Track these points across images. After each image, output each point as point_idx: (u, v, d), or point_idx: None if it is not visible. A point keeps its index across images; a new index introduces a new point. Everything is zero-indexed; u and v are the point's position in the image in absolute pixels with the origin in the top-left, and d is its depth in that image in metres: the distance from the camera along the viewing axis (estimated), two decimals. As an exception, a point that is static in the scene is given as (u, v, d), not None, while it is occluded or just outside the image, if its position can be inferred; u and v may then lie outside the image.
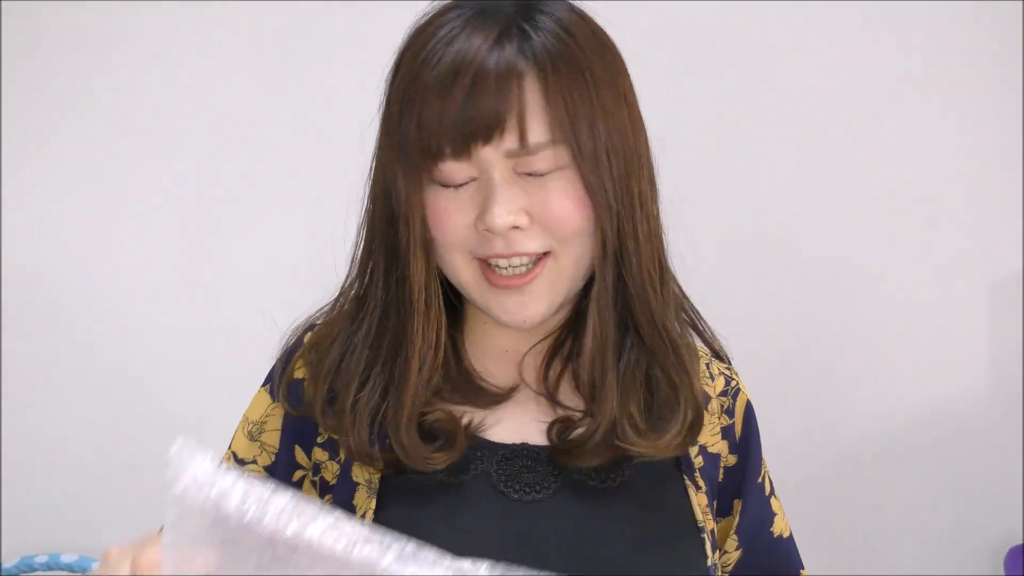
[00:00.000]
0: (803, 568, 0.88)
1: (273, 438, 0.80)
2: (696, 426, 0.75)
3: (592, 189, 0.69)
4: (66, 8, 1.62)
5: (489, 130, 0.66)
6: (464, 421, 0.74)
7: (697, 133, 1.61)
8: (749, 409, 0.84)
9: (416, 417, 0.72)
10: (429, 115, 0.67)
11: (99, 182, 1.68)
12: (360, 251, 0.77)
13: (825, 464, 1.71)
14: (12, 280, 1.71)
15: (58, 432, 1.75)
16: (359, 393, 0.73)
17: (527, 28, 0.68)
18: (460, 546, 0.53)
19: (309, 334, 0.80)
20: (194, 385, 1.68)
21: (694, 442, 0.76)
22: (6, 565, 1.70)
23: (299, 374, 0.79)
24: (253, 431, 0.81)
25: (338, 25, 1.63)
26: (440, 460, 0.71)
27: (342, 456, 0.75)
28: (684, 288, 0.80)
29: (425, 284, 0.72)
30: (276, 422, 0.80)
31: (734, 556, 0.84)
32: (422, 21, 0.72)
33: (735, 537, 0.84)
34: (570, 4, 0.73)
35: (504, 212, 0.67)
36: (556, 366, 0.77)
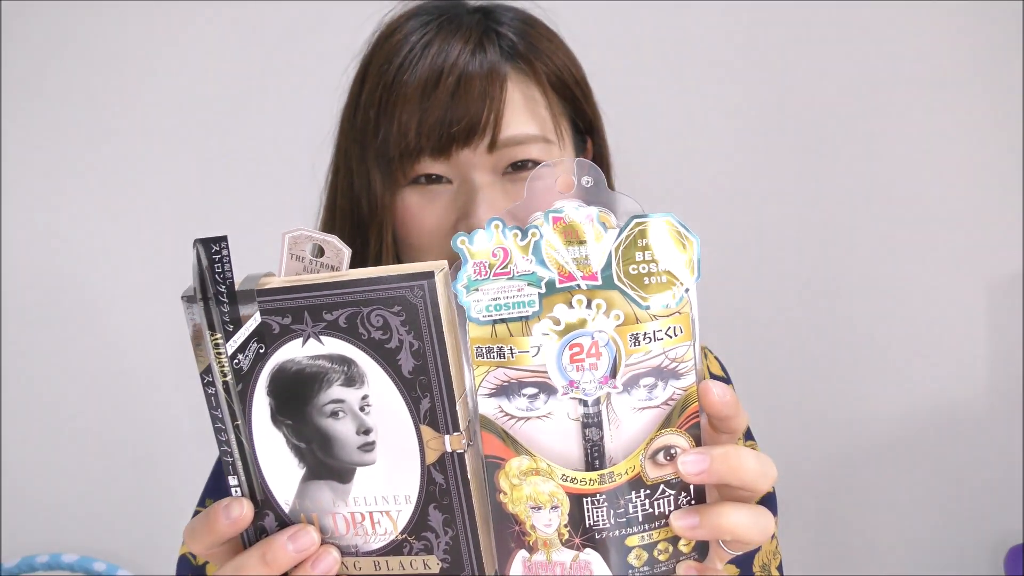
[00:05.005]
0: None
1: None
2: None
3: None
4: (66, 8, 1.62)
5: (472, 130, 0.66)
6: None
7: (697, 133, 1.61)
8: None
9: None
10: (411, 116, 0.66)
11: (99, 182, 1.68)
12: None
13: (824, 464, 1.71)
14: (12, 280, 1.71)
15: (58, 432, 1.75)
16: None
17: (500, 31, 0.69)
18: None
19: None
20: (194, 385, 1.67)
21: None
22: (7, 565, 1.70)
23: None
24: None
25: (342, 27, 1.63)
26: None
27: None
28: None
29: None
30: None
31: None
32: (384, 29, 0.71)
33: None
34: (516, 8, 0.73)
35: (491, 212, 0.66)
36: None
